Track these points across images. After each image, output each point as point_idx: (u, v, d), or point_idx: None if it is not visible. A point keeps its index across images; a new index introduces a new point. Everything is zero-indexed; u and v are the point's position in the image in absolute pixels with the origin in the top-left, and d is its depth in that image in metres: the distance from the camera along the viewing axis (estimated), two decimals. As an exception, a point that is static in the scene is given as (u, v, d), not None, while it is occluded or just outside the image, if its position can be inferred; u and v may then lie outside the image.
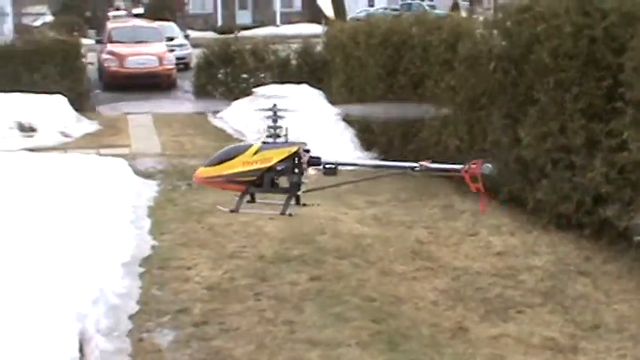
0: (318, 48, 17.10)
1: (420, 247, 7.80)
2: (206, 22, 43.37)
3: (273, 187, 6.04)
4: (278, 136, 5.83)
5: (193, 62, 22.01)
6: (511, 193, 8.73)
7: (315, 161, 6.00)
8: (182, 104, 18.55)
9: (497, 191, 8.71)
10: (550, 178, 8.05)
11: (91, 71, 20.37)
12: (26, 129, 14.40)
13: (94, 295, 5.68)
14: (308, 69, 16.64)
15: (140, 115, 16.67)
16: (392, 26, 12.09)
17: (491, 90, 9.09)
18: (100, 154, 11.68)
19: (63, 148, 12.95)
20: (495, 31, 9.26)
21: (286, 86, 15.71)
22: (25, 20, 37.19)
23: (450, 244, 7.88)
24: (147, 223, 8.61)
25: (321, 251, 7.68)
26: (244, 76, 16.98)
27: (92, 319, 5.44)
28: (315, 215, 8.94)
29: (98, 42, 24.54)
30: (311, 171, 6.15)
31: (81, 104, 16.61)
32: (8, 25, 20.32)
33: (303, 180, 6.01)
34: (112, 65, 21.21)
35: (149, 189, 10.16)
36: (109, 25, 25.07)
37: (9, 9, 20.72)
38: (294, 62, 17.35)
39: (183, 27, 30.31)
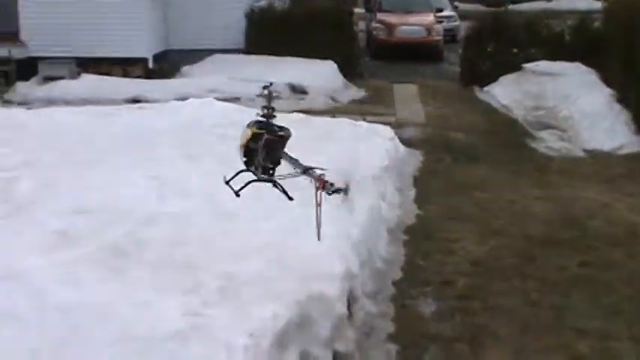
0: (596, 24, 16.24)
1: (703, 244, 7.20)
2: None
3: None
4: (273, 116, 5.14)
5: (460, 35, 21.81)
6: None
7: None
8: (448, 76, 18.40)
9: None
10: None
11: (360, 39, 20.76)
12: (297, 91, 14.99)
13: (362, 257, 5.77)
14: (583, 47, 15.85)
15: (406, 85, 16.79)
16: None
17: None
18: (367, 121, 11.85)
19: (331, 112, 13.30)
20: None
21: (557, 64, 15.12)
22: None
23: None
24: (412, 192, 8.65)
25: (591, 237, 7.31)
26: (514, 50, 16.51)
27: (359, 280, 5.53)
28: (584, 199, 8.58)
29: (367, 11, 24.97)
30: None
31: (349, 71, 16.97)
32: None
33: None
34: (381, 34, 21.52)
35: (414, 158, 10.19)
36: (381, -6, 25.41)
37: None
38: (567, 39, 16.61)
39: (452, -1, 30.00)
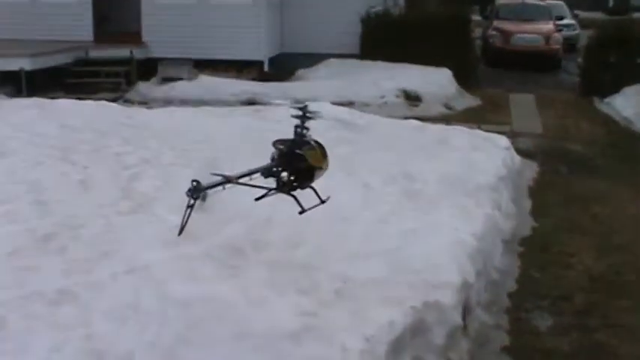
0: None
1: None
2: (596, 2, 41.63)
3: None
4: (303, 136, 5.25)
5: (580, 44, 21.27)
6: None
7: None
8: (565, 86, 17.96)
9: None
10: None
11: (476, 46, 20.50)
12: (412, 98, 14.92)
13: (478, 267, 5.69)
14: None
15: (522, 94, 16.49)
16: None
17: None
18: (482, 130, 11.69)
19: (445, 119, 13.18)
20: None
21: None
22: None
23: None
24: (527, 203, 8.47)
25: None
26: (638, 61, 15.97)
27: (475, 290, 5.45)
28: None
29: (484, 17, 24.65)
30: None
31: (465, 79, 16.77)
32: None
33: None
34: (497, 42, 21.22)
35: (530, 169, 9.98)
36: (498, 1, 25.07)
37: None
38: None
39: (573, 6, 29.31)
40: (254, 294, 4.52)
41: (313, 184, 5.32)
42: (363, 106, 13.36)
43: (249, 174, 5.30)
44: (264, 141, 8.58)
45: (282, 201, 6.32)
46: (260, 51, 17.33)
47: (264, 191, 5.27)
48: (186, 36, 17.15)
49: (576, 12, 28.74)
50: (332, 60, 17.41)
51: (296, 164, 5.18)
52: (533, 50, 20.70)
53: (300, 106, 5.40)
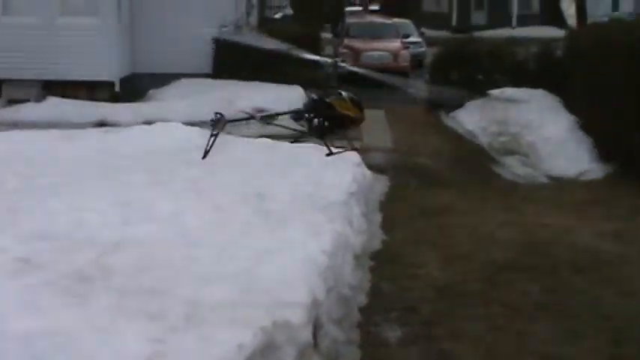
0: (559, 52, 16.49)
1: (666, 269, 7.31)
2: (441, 20, 43.20)
3: None
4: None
5: (427, 60, 22.01)
6: None
7: None
8: (414, 102, 18.52)
9: None
10: None
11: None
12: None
13: (329, 284, 5.78)
14: (546, 74, 16.07)
15: (372, 110, 16.84)
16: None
17: None
18: (335, 146, 11.87)
19: (299, 137, 13.29)
20: None
21: (522, 90, 15.30)
22: (267, 13, 38.77)
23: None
24: (378, 217, 8.69)
25: (555, 263, 7.39)
26: (479, 77, 16.69)
27: (326, 307, 5.53)
28: (548, 225, 8.68)
29: (335, 36, 25.12)
30: None
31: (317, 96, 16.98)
32: (254, 17, 21.24)
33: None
34: (348, 59, 21.61)
35: (381, 184, 10.25)
36: (347, 20, 25.63)
37: (254, 1, 21.70)
38: (531, 66, 16.84)
39: (418, 25, 30.34)
40: (101, 323, 4.41)
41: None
42: (216, 126, 13.31)
43: (277, 115, 5.82)
44: (111, 163, 8.50)
45: (132, 225, 6.24)
46: (111, 71, 16.97)
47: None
48: (33, 56, 16.54)
49: (422, 30, 29.74)
50: (184, 80, 17.27)
51: (325, 111, 5.98)
52: (382, 67, 21.20)
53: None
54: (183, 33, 17.79)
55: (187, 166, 8.41)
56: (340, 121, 5.76)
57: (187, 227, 5.81)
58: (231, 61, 17.39)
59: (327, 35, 26.32)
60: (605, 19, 36.65)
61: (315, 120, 5.68)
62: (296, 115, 5.73)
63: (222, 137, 10.67)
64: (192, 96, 15.54)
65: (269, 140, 11.01)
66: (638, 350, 5.59)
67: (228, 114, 5.37)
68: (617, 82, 11.61)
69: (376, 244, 7.74)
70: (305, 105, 5.82)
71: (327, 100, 5.77)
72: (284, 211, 7.16)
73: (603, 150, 12.34)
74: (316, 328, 5.23)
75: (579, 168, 11.95)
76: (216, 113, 5.53)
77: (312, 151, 10.31)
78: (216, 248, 5.80)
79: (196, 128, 11.04)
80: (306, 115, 5.69)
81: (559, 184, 11.28)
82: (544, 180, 11.53)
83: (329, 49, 22.43)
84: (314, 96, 5.85)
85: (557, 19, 36.59)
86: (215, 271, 5.32)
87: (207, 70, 17.77)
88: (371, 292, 6.54)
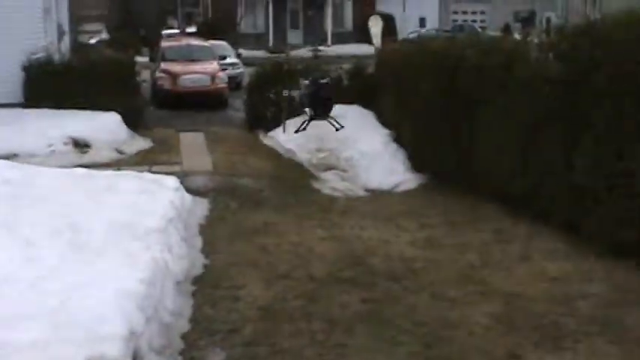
0: (370, 69, 17.09)
1: (472, 272, 7.72)
2: (258, 41, 43.70)
3: None
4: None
5: (245, 81, 22.16)
6: (565, 218, 8.65)
7: None
8: (233, 123, 18.63)
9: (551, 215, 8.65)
10: (606, 204, 7.95)
11: (145, 89, 20.60)
12: (81, 145, 14.60)
13: (148, 313, 5.71)
14: (359, 89, 16.60)
15: (192, 133, 16.82)
16: (445, 48, 12.06)
17: (547, 114, 9.03)
18: (153, 172, 11.77)
19: (116, 164, 13.08)
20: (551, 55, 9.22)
21: (337, 106, 15.70)
22: (82, 38, 37.84)
23: (502, 269, 7.79)
24: (199, 241, 8.67)
25: (372, 273, 7.66)
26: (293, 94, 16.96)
27: (146, 337, 5.46)
28: (366, 237, 8.96)
29: (152, 60, 24.82)
30: None
31: (134, 121, 16.74)
32: (66, 43, 20.61)
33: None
34: (165, 83, 21.44)
35: (201, 207, 10.22)
36: (163, 43, 25.36)
37: (66, 27, 21.06)
38: (345, 83, 17.34)
39: (236, 46, 30.53)
40: None
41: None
42: (29, 157, 12.86)
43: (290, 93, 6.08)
44: None
45: None
46: None
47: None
48: None
49: (240, 51, 29.94)
50: (-8, 111, 16.52)
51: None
52: (200, 90, 21.17)
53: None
54: (-11, 61, 17.02)
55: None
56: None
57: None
58: (44, 90, 16.81)
59: (144, 59, 25.97)
60: (415, 35, 38.57)
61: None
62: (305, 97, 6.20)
63: (33, 169, 10.34)
64: (1, 127, 14.88)
65: (84, 170, 10.77)
66: (449, 348, 5.89)
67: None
68: (425, 97, 12.15)
69: (198, 269, 7.72)
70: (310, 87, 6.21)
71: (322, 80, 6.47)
72: (99, 242, 7.03)
73: (416, 161, 12.87)
74: (136, 359, 5.16)
75: (395, 180, 12.39)
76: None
77: (129, 178, 10.18)
78: (25, 284, 5.60)
79: (5, 161, 10.62)
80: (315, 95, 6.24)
81: (376, 196, 11.66)
82: (362, 193, 11.87)
83: (146, 74, 22.15)
84: (323, 80, 6.32)
85: (368, 37, 37.83)
86: (25, 310, 5.14)
87: (18, 99, 17.06)
88: (193, 317, 6.52)
